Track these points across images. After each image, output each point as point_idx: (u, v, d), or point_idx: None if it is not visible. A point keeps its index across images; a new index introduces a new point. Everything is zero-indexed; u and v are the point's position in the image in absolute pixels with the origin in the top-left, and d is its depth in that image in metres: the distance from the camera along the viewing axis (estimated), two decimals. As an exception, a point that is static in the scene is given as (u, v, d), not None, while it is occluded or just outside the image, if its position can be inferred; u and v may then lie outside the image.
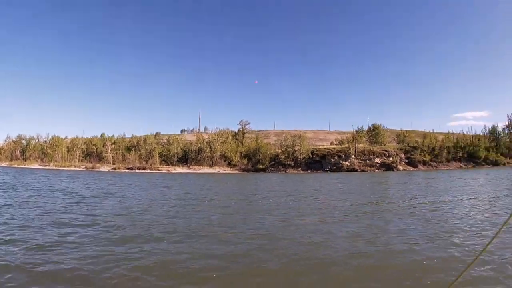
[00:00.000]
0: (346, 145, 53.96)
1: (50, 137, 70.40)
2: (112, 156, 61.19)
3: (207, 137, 56.97)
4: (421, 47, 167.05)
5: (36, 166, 64.80)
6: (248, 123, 61.70)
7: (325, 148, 54.85)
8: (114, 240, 6.43)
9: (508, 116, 62.78)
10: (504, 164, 55.76)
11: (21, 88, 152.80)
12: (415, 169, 53.06)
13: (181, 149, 56.49)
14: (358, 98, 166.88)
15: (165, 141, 60.61)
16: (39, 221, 8.19)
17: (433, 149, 55.11)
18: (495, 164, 55.50)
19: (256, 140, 56.53)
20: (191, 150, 55.52)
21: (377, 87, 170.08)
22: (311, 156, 53.36)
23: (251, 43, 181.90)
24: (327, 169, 52.50)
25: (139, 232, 7.09)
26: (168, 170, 56.68)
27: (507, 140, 60.14)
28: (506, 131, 61.20)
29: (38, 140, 72.92)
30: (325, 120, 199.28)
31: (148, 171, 56.22)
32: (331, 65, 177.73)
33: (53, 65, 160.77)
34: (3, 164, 67.63)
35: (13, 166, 64.37)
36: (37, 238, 6.49)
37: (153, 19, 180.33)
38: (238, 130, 60.36)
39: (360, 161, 53.64)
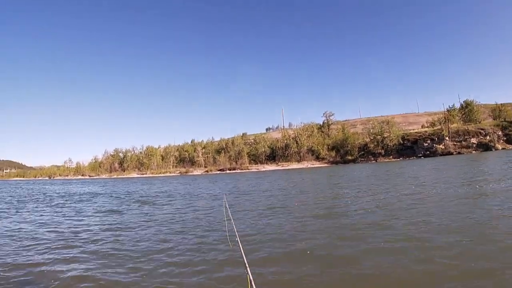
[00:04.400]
0: (439, 127, 52.37)
1: (144, 147, 78.88)
2: (204, 160, 66.89)
3: (292, 132, 59.23)
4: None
5: (134, 175, 73.07)
6: (333, 114, 62.64)
7: (416, 132, 53.86)
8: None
9: None
10: None
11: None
12: (517, 146, 49.70)
13: (268, 147, 59.75)
14: (447, 74, 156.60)
15: (252, 140, 64.50)
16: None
17: (538, 121, 50.88)
18: None
19: (342, 131, 57.29)
20: (278, 147, 58.45)
21: (464, 60, 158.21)
22: (401, 142, 52.87)
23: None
24: (420, 155, 51.61)
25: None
26: (258, 169, 60.48)
27: None
28: None
29: (134, 152, 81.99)
30: (413, 102, 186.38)
31: (239, 171, 60.67)
32: (408, 42, 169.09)
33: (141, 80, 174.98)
34: (103, 176, 76.59)
35: (113, 177, 71.63)
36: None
37: (230, 20, 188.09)
38: (323, 122, 61.58)
39: (455, 143, 51.80)
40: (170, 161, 73.48)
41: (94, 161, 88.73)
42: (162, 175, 68.03)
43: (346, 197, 11.02)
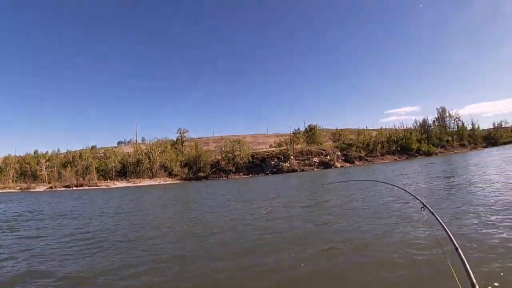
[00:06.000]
0: (285, 147, 55.06)
1: (-20, 157, 65.23)
2: (47, 174, 57.92)
3: (145, 148, 55.46)
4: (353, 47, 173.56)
5: (-35, 190, 59.88)
6: (187, 131, 61.22)
7: (264, 151, 55.61)
8: None
9: (437, 109, 67.34)
10: (436, 154, 59.53)
11: None
12: (351, 165, 55.25)
13: (119, 162, 54.63)
14: (293, 100, 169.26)
15: (102, 154, 58.37)
16: None
17: (368, 144, 57.64)
18: (428, 154, 59.18)
19: (195, 148, 56.05)
20: (130, 162, 53.88)
21: (311, 89, 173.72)
22: (251, 160, 53.82)
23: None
24: (268, 172, 53.21)
25: None
26: (107, 185, 54.58)
27: (437, 131, 64.35)
28: (436, 123, 65.48)
29: (-34, 162, 67.26)
30: (263, 125, 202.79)
31: (87, 187, 53.92)
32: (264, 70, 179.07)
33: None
34: None
35: None
36: None
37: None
38: (177, 139, 59.43)
39: (299, 161, 54.91)
40: (9, 175, 61.83)
41: None
42: (1, 190, 56.89)
43: None
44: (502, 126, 73.62)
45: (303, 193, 16.67)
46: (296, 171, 52.50)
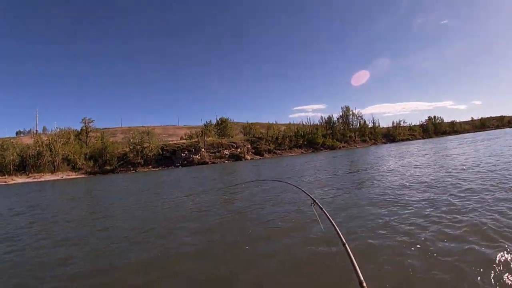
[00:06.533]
0: (196, 139, 56.67)
1: None
2: None
3: (46, 138, 52.86)
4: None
5: None
6: (92, 121, 59.28)
7: (175, 143, 56.61)
8: None
9: (341, 108, 74.90)
10: (339, 148, 66.00)
11: None
12: (261, 157, 58.77)
13: (18, 154, 51.43)
14: (205, 94, 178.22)
15: (-2, 146, 54.31)
16: None
17: (277, 138, 61.95)
18: (332, 148, 65.33)
19: (101, 139, 54.71)
20: (29, 155, 51.05)
21: (222, 83, 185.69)
22: (161, 152, 54.40)
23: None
24: (178, 164, 54.21)
25: None
26: (5, 182, 51.03)
27: (341, 128, 71.48)
28: (340, 120, 72.71)
29: None
30: (174, 116, 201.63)
31: (-22, 184, 49.86)
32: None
33: None
34: None
35: None
36: None
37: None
38: (81, 129, 57.59)
39: (210, 154, 56.93)
40: None
41: None
42: None
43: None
44: (400, 125, 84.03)
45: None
46: (207, 163, 54.34)
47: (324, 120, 70.87)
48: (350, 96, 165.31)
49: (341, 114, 72.29)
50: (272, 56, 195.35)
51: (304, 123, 69.19)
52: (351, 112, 72.14)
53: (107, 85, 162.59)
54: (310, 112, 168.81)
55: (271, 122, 64.30)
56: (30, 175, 52.01)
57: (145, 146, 53.11)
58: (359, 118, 74.03)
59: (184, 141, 58.05)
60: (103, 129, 63.59)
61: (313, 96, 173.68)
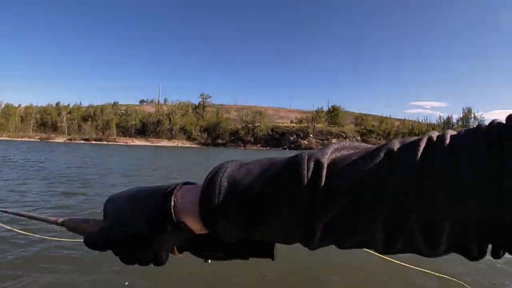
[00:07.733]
0: (306, 124, 54.82)
1: (3, 105, 66.01)
2: (68, 126, 58.60)
3: (166, 109, 55.68)
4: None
5: (-14, 136, 60.70)
6: (210, 97, 61.23)
7: (285, 126, 55.46)
8: None
9: (463, 109, 66.16)
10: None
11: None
12: (370, 151, 54.95)
13: (140, 120, 55.00)
14: (321, 79, 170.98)
15: (123, 111, 58.69)
16: None
17: (389, 133, 57.11)
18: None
19: (216, 115, 56.04)
20: (150, 122, 54.23)
21: (340, 70, 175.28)
22: (270, 133, 53.76)
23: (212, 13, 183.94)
24: (286, 147, 53.04)
25: None
26: (126, 142, 55.01)
27: (459, 131, 63.43)
28: (460, 123, 64.49)
29: (-13, 108, 68.06)
30: (286, 98, 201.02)
31: (105, 142, 54.40)
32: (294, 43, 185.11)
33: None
34: None
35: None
36: None
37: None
38: (199, 103, 59.53)
39: (317, 141, 54.63)
40: (30, 124, 62.75)
41: None
42: (20, 139, 57.70)
43: None
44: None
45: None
46: (314, 149, 52.36)
47: (442, 120, 63.72)
48: (475, 95, 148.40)
49: (461, 116, 64.13)
50: (399, 48, 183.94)
51: (420, 121, 62.95)
52: (472, 115, 63.58)
53: (225, 65, 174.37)
54: (429, 109, 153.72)
55: (384, 116, 59.61)
56: (149, 139, 55.37)
57: (256, 125, 52.93)
58: (482, 122, 64.86)
59: (294, 124, 56.70)
60: (218, 105, 65.50)
61: (434, 92, 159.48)
